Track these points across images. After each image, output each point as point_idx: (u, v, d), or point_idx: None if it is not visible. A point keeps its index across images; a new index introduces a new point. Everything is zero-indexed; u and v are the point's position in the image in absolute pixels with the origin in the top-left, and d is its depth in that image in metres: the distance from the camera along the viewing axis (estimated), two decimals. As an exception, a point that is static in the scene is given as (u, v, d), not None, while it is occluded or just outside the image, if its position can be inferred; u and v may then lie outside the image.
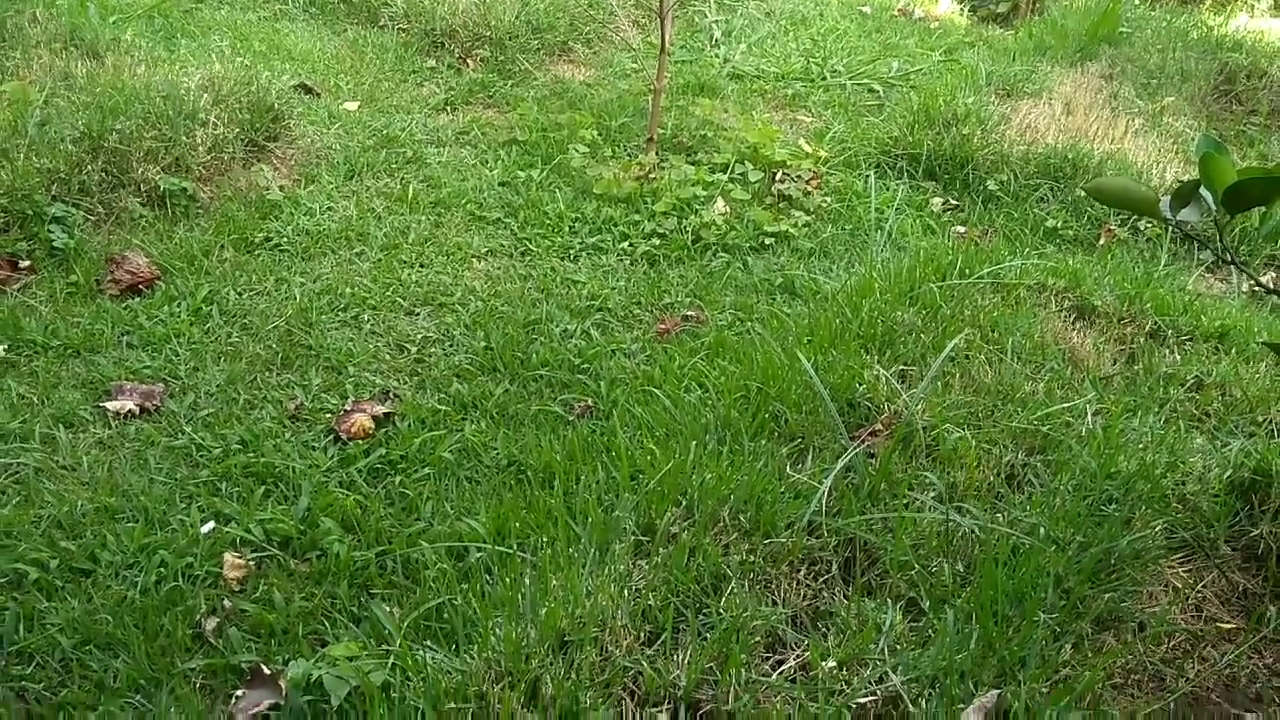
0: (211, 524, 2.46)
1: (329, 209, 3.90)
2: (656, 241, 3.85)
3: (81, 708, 2.00)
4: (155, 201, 3.71)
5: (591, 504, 2.26)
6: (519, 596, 2.00)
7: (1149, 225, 4.22)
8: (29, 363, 2.99)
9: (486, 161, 4.38)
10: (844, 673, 1.84)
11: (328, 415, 2.85)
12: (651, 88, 4.36)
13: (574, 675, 1.80)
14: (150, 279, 3.37)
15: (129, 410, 2.81)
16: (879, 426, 2.48)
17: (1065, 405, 2.59)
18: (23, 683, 2.04)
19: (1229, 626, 2.06)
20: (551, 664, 1.82)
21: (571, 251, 3.79)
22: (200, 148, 3.85)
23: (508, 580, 2.07)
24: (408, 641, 2.00)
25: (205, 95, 3.97)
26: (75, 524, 2.43)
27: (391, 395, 2.96)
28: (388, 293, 3.43)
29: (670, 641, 1.91)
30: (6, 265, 3.29)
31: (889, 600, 2.02)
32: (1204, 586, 2.14)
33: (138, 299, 3.30)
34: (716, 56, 5.62)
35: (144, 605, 2.21)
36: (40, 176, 3.46)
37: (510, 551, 2.18)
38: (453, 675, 1.83)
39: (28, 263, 3.34)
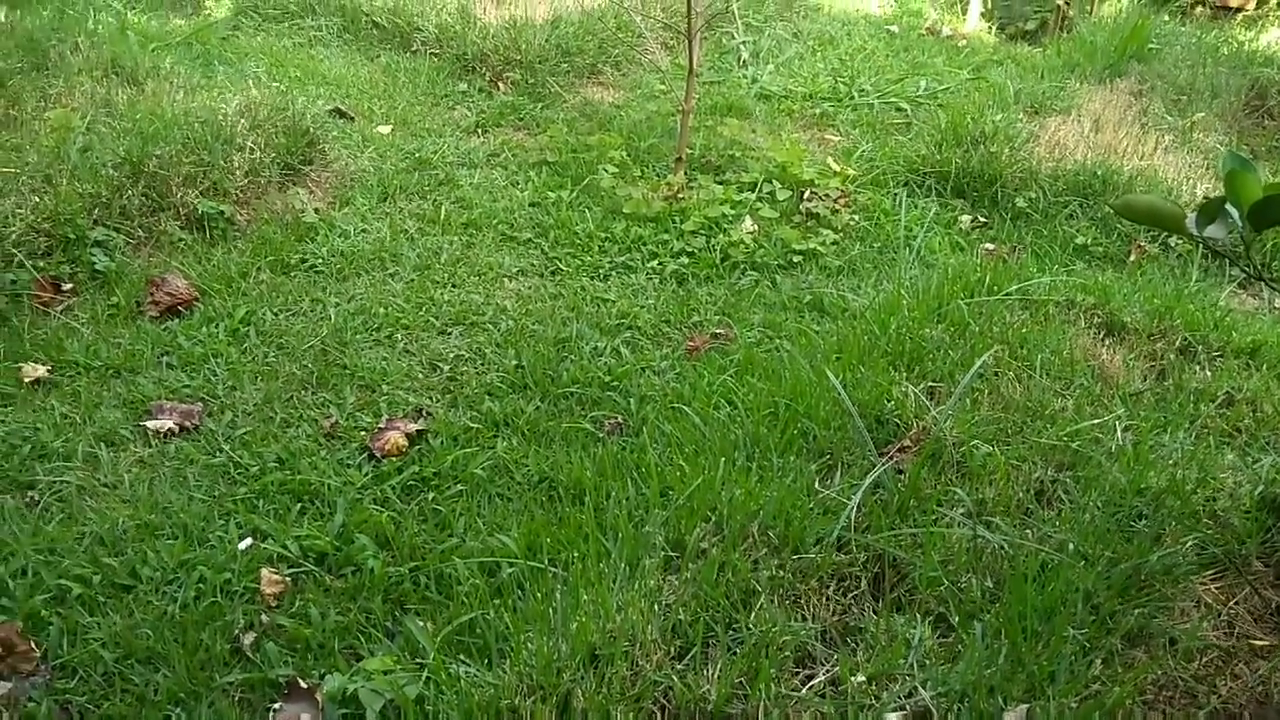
0: (249, 540, 2.50)
1: (363, 231, 3.97)
2: (685, 260, 3.89)
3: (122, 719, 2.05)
4: (194, 225, 3.79)
5: (622, 520, 2.29)
6: (550, 611, 2.02)
7: (1180, 241, 4.20)
8: (71, 383, 3.06)
9: (517, 183, 4.43)
10: (873, 688, 1.85)
11: (362, 433, 2.90)
12: (680, 109, 4.41)
13: (605, 689, 1.83)
14: (189, 300, 3.44)
15: (169, 429, 2.87)
16: (907, 443, 2.49)
17: (1095, 422, 2.59)
18: (67, 696, 2.08)
19: (1261, 643, 2.05)
20: (583, 678, 1.84)
21: (601, 270, 3.83)
22: (237, 172, 3.93)
23: (539, 595, 2.09)
24: (441, 656, 2.03)
25: (242, 120, 4.05)
26: (117, 540, 2.48)
27: (425, 413, 3.00)
28: (420, 312, 3.48)
29: (700, 656, 1.93)
30: (50, 288, 3.37)
31: (918, 616, 2.03)
32: (1236, 603, 2.13)
33: (177, 320, 3.37)
34: (744, 77, 5.66)
35: (184, 620, 2.26)
36: (82, 201, 3.54)
37: (542, 567, 2.21)
38: (485, 689, 1.85)
39: (70, 285, 3.42)
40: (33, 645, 2.16)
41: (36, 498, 2.60)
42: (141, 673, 2.14)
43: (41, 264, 3.39)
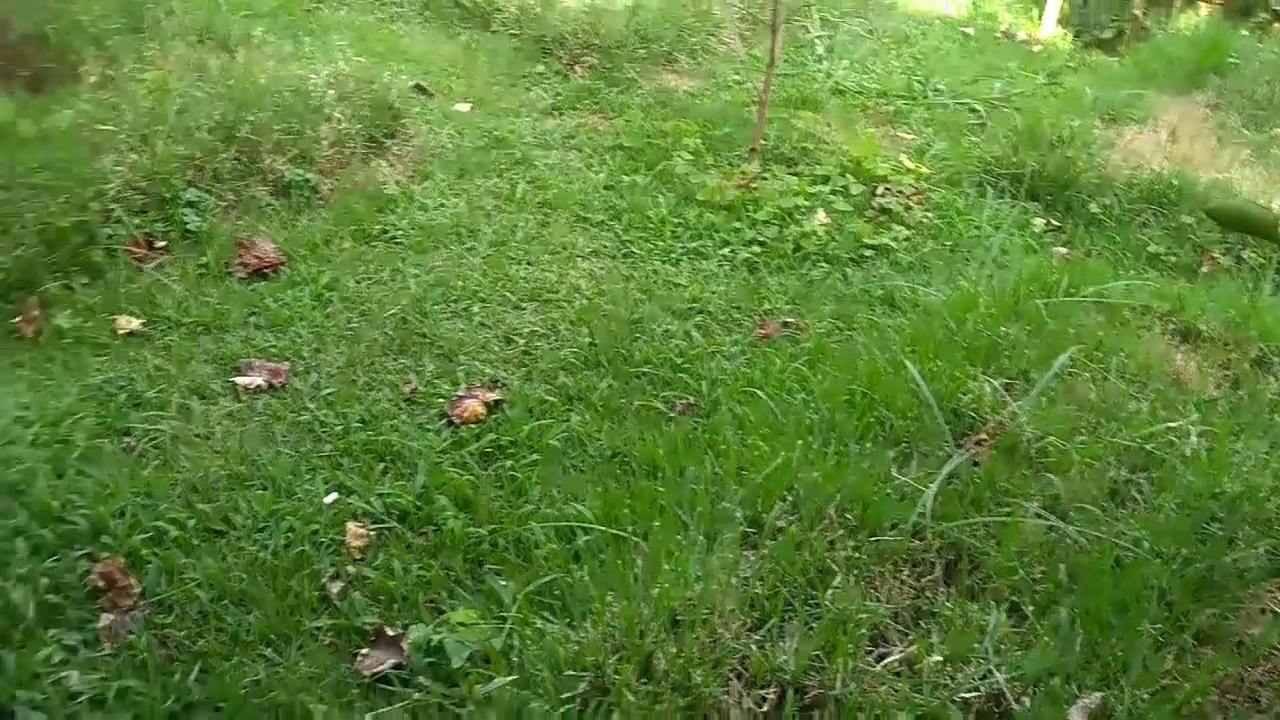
0: (334, 495, 2.59)
1: (441, 205, 4.05)
2: (757, 249, 3.93)
3: (218, 657, 2.13)
4: (281, 191, 3.89)
5: (701, 495, 2.34)
6: (631, 577, 2.08)
7: (1253, 255, 4.19)
8: (163, 336, 3.16)
9: (592, 165, 4.49)
10: (948, 668, 1.89)
11: (441, 400, 2.98)
12: (754, 99, 4.45)
13: (685, 653, 1.88)
14: (276, 264, 3.53)
15: (257, 386, 2.96)
16: (983, 436, 2.52)
17: (1169, 425, 2.60)
18: (165, 630, 2.18)
19: (1331, 651, 2.07)
20: (664, 641, 1.90)
21: (673, 255, 3.88)
22: (324, 141, 4.03)
23: (620, 562, 2.15)
24: (523, 612, 2.10)
25: (331, 92, 4.15)
26: (209, 489, 2.57)
27: (501, 384, 3.07)
28: (496, 287, 3.55)
29: (777, 628, 1.98)
30: (144, 244, 3.48)
31: (992, 603, 2.07)
32: (1306, 610, 2.15)
33: (264, 282, 3.47)
34: (819, 71, 5.69)
35: (274, 566, 2.35)
36: (177, 162, 3.65)
37: (623, 535, 2.27)
38: (570, 645, 1.92)
39: (163, 243, 3.53)
40: (133, 582, 2.26)
41: (133, 444, 2.70)
42: (234, 613, 2.24)
43: (137, 221, 3.50)
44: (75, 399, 2.82)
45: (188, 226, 3.58)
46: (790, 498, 2.31)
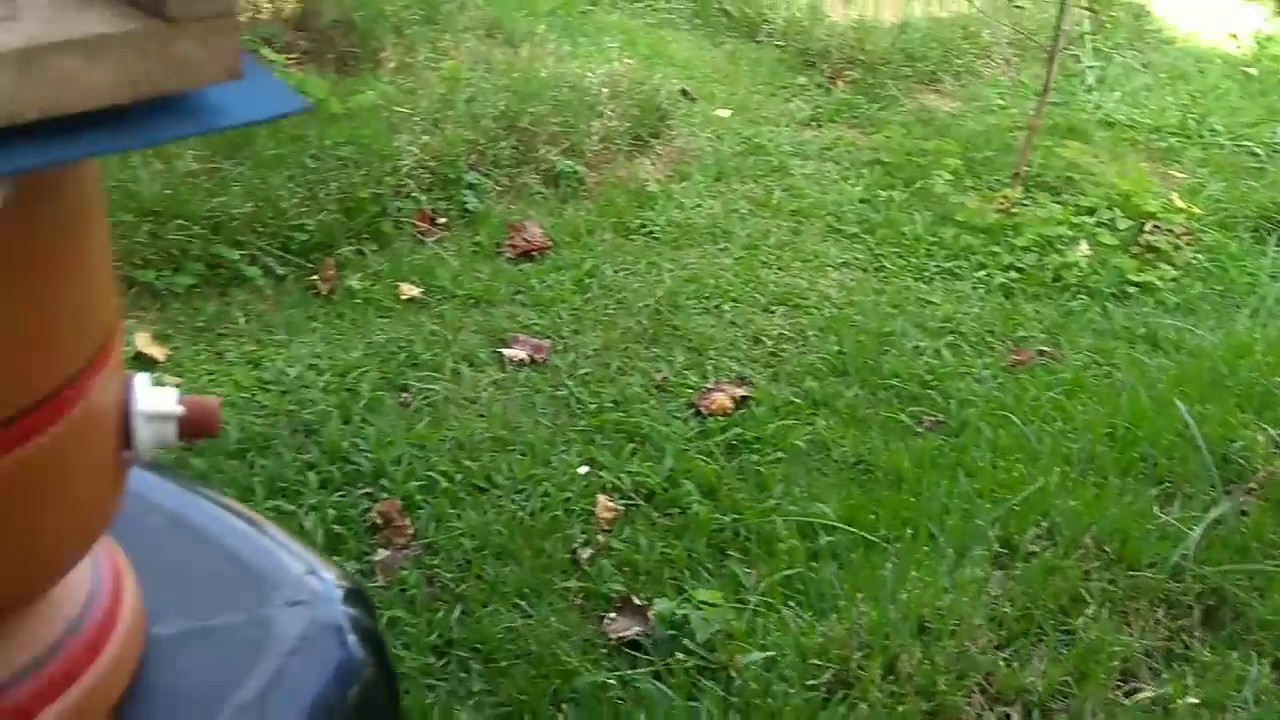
0: (586, 468, 2.72)
1: (698, 205, 4.16)
2: (1014, 275, 3.86)
3: (476, 602, 2.29)
4: (551, 180, 4.09)
5: (954, 510, 2.34)
6: (879, 580, 2.11)
7: None
8: (439, 305, 3.40)
9: (848, 178, 4.51)
10: (1204, 711, 1.83)
11: (689, 390, 3.07)
12: (1019, 124, 4.36)
13: (931, 660, 1.90)
14: (542, 248, 3.73)
15: (521, 359, 3.14)
16: (1254, 485, 2.41)
17: None
18: (433, 571, 2.36)
19: None
20: (910, 645, 1.92)
21: (926, 273, 3.86)
22: (594, 137, 4.21)
23: (867, 564, 2.18)
24: (766, 599, 2.16)
25: (605, 90, 4.33)
26: (474, 448, 2.75)
27: (747, 381, 3.14)
28: (747, 288, 3.63)
29: (1025, 649, 1.97)
30: (428, 219, 3.74)
31: (1253, 654, 1.99)
32: None
33: (530, 264, 3.67)
34: (1088, 102, 5.51)
35: (530, 526, 2.50)
36: (463, 146, 3.91)
37: (874, 540, 2.30)
38: (815, 636, 1.96)
39: (444, 220, 3.78)
40: (407, 523, 2.45)
41: (410, 400, 2.93)
42: (493, 565, 2.39)
43: (424, 197, 3.77)
44: (361, 354, 3.08)
45: (466, 206, 3.83)
46: (1045, 523, 2.28)
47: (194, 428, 0.87)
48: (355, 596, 1.09)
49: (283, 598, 1.04)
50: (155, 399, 0.84)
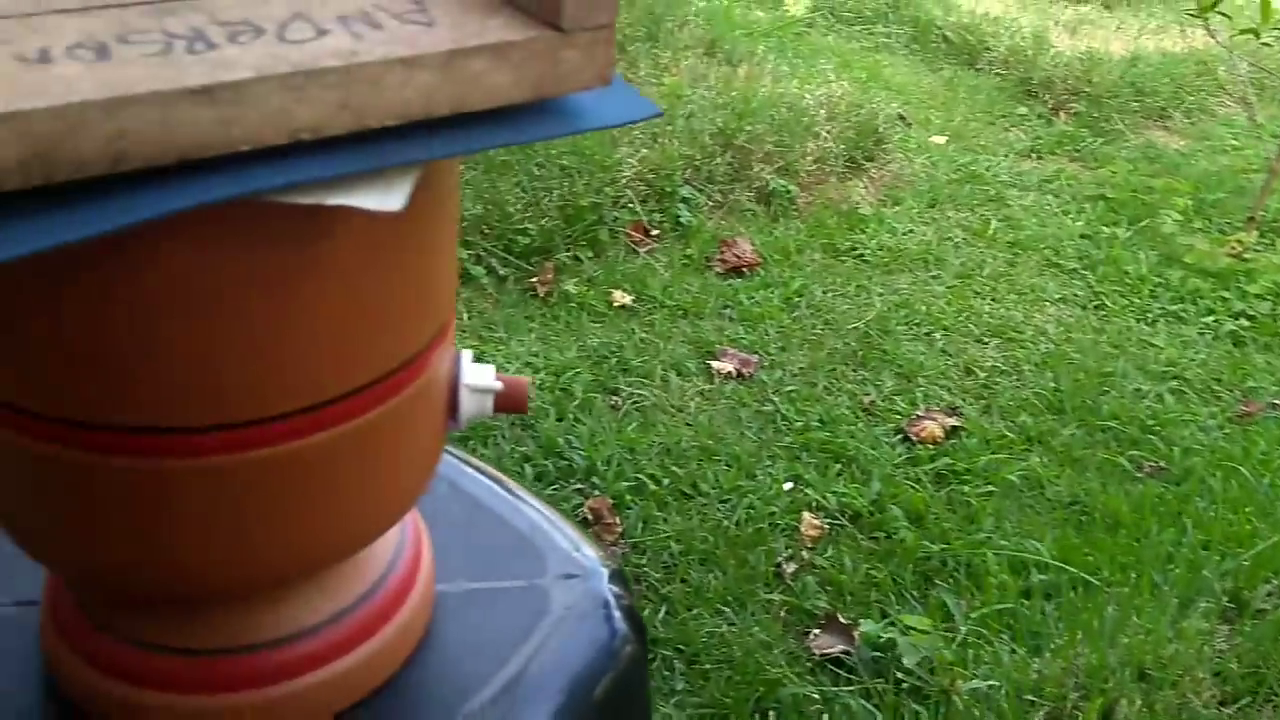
0: (791, 484, 2.74)
1: (910, 231, 4.13)
2: (1244, 322, 3.67)
3: (680, 605, 2.34)
4: (762, 198, 4.14)
5: (1179, 559, 2.26)
6: (1098, 622, 2.05)
7: None
8: (649, 314, 3.48)
9: (1069, 212, 4.39)
10: None
11: (897, 415, 3.05)
12: (1263, 167, 4.14)
13: (1151, 708, 1.84)
14: (752, 264, 3.77)
15: (728, 371, 3.19)
16: None
17: None
18: (640, 569, 2.42)
19: None
20: (1130, 691, 1.86)
21: (1149, 315, 3.71)
22: (808, 157, 4.23)
23: (1086, 605, 2.13)
24: (977, 630, 2.13)
25: (822, 111, 4.35)
26: (681, 454, 2.81)
27: (958, 412, 3.10)
28: (960, 318, 3.58)
29: (1253, 711, 1.88)
30: (641, 230, 3.84)
31: None
32: None
33: (739, 280, 3.72)
34: (1335, 144, 5.17)
35: (735, 536, 2.54)
36: (681, 161, 3.99)
37: (1092, 581, 2.24)
38: (1029, 672, 1.93)
39: (657, 231, 3.87)
40: (616, 520, 2.53)
41: (620, 403, 3.01)
42: (697, 570, 2.44)
43: (640, 208, 3.87)
44: (575, 355, 3.19)
45: (679, 219, 3.91)
46: (1277, 581, 2.17)
47: (507, 403, 0.94)
48: (618, 576, 1.15)
49: (555, 570, 1.11)
50: (478, 374, 0.92)
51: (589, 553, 1.16)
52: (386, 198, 0.64)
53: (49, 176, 0.54)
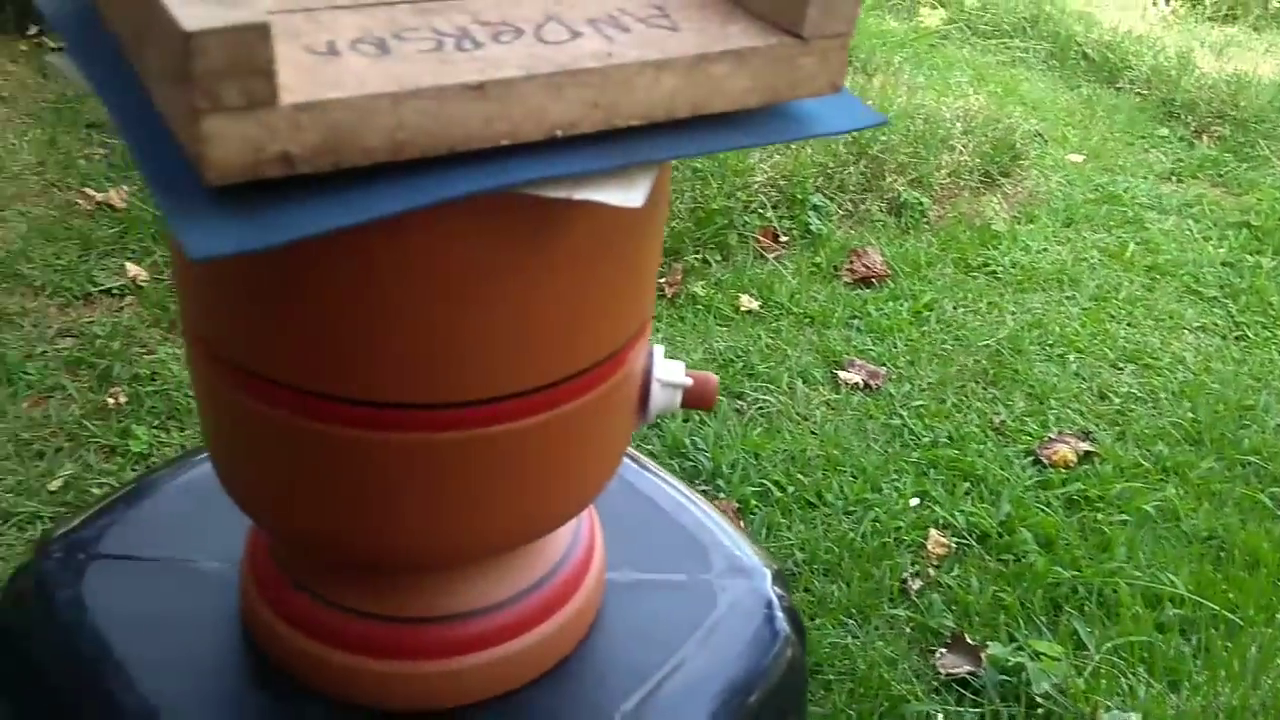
0: (918, 500, 2.72)
1: (1044, 249, 4.04)
2: (1399, 362, 3.51)
3: (803, 613, 2.34)
4: (894, 209, 4.10)
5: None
6: (1237, 662, 1.99)
7: None
8: (775, 320, 3.48)
9: (1210, 238, 4.25)
10: None
11: (1027, 437, 3.00)
12: None
13: (1297, 755, 1.78)
14: (881, 276, 3.74)
15: (855, 382, 3.17)
16: None
17: None
18: (764, 575, 2.43)
19: None
20: (1275, 735, 1.81)
21: (1295, 348, 3.58)
22: (942, 170, 4.18)
23: (1229, 644, 2.07)
24: (1110, 660, 2.08)
25: (957, 124, 4.29)
26: (805, 463, 2.81)
27: (1091, 437, 3.03)
28: (1094, 341, 3.50)
29: None
30: (770, 236, 3.84)
31: None
32: None
33: (868, 290, 3.69)
34: None
35: (860, 549, 2.52)
36: (813, 169, 3.98)
37: (1233, 619, 2.17)
38: (1165, 707, 1.88)
39: (786, 238, 3.87)
40: (741, 526, 2.54)
41: (744, 408, 3.02)
42: (821, 580, 2.44)
43: (770, 215, 3.87)
44: (701, 357, 3.21)
45: (809, 227, 3.89)
46: None
47: (695, 399, 0.96)
48: (780, 578, 1.16)
49: (720, 567, 1.13)
50: (669, 369, 0.94)
51: (752, 553, 1.18)
52: (629, 194, 0.66)
53: (337, 163, 0.58)
